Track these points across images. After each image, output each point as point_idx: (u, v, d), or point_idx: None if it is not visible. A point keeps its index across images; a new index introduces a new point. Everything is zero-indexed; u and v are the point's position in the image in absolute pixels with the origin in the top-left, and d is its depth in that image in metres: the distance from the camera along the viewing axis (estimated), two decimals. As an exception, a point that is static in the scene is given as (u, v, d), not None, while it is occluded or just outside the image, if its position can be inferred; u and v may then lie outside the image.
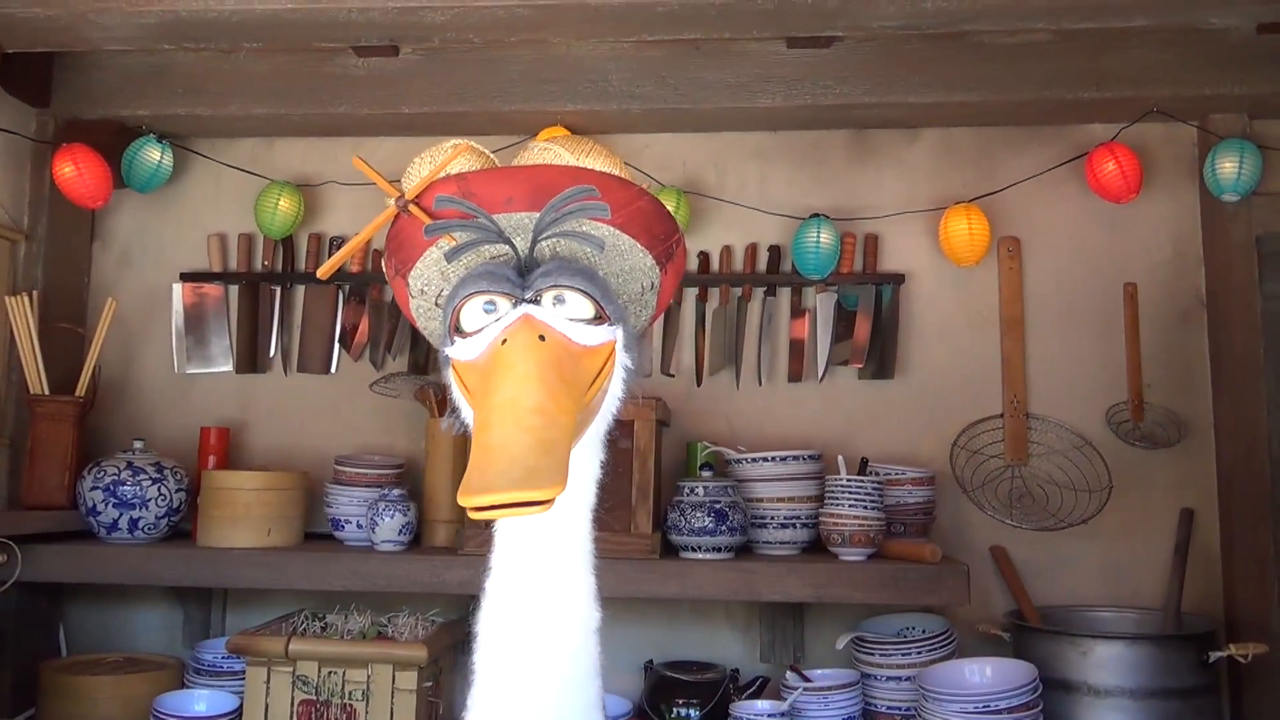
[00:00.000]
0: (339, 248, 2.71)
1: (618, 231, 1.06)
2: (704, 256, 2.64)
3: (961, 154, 2.63)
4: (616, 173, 1.13)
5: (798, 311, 2.61)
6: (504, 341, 0.96)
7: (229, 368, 2.72)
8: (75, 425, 2.47)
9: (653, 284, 1.12)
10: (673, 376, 2.61)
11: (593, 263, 1.06)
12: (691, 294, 2.64)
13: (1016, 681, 2.01)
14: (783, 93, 2.48)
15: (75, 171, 2.41)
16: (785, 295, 2.63)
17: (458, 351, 1.00)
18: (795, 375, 2.59)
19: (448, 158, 1.13)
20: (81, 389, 2.49)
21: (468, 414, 1.02)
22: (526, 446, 0.85)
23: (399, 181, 1.14)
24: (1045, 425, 2.52)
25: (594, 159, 1.14)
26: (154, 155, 2.60)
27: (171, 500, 2.40)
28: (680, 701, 2.29)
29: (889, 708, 2.21)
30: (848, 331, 2.58)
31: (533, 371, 0.92)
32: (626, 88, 2.51)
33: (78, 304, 2.73)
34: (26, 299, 2.45)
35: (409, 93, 2.55)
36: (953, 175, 2.62)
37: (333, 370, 2.70)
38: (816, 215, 2.53)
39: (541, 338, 0.96)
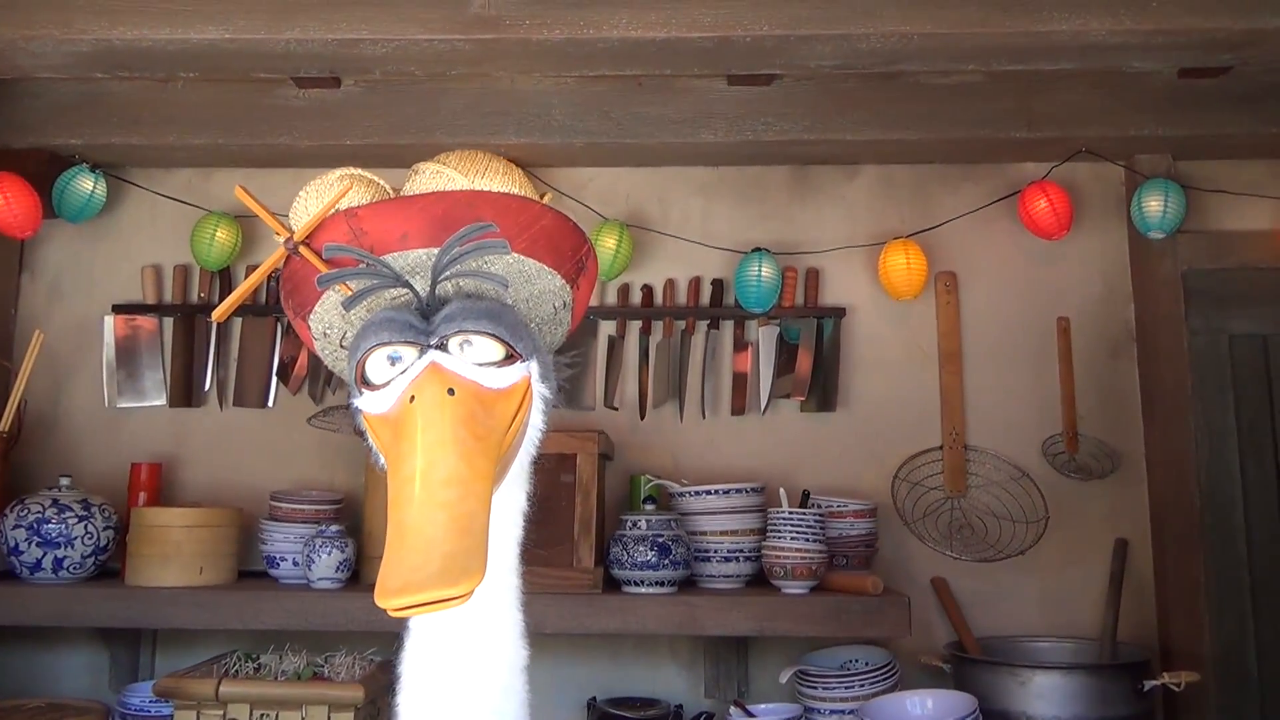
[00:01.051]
0: (277, 280, 2.67)
1: (522, 258, 1.02)
2: (647, 290, 2.65)
3: (899, 190, 2.69)
4: (515, 190, 1.08)
5: (740, 345, 2.63)
6: (412, 399, 0.92)
7: (162, 401, 2.65)
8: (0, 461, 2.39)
9: (565, 303, 1.08)
10: (616, 410, 2.61)
11: (499, 297, 1.02)
12: (635, 327, 2.65)
13: (957, 713, 2.01)
14: (724, 128, 2.51)
15: (3, 201, 2.35)
16: (728, 329, 2.65)
17: (367, 404, 0.96)
18: (738, 408, 2.60)
19: (335, 195, 1.05)
20: (6, 423, 2.41)
21: (381, 461, 0.97)
22: (442, 528, 0.82)
23: (286, 218, 1.10)
24: (983, 457, 2.55)
25: (490, 179, 1.09)
26: (86, 185, 2.55)
27: (99, 539, 2.32)
28: (623, 739, 2.26)
29: (832, 742, 2.21)
30: (790, 365, 2.60)
31: (444, 435, 0.88)
32: (570, 122, 2.52)
33: (3, 336, 2.65)
34: (-51, 331, 2.37)
35: (351, 125, 2.53)
36: (891, 211, 2.67)
37: (270, 404, 2.65)
38: (758, 249, 2.56)
39: (451, 391, 0.92)
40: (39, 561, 2.27)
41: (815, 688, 2.25)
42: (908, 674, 2.33)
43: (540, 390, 1.01)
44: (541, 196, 1.11)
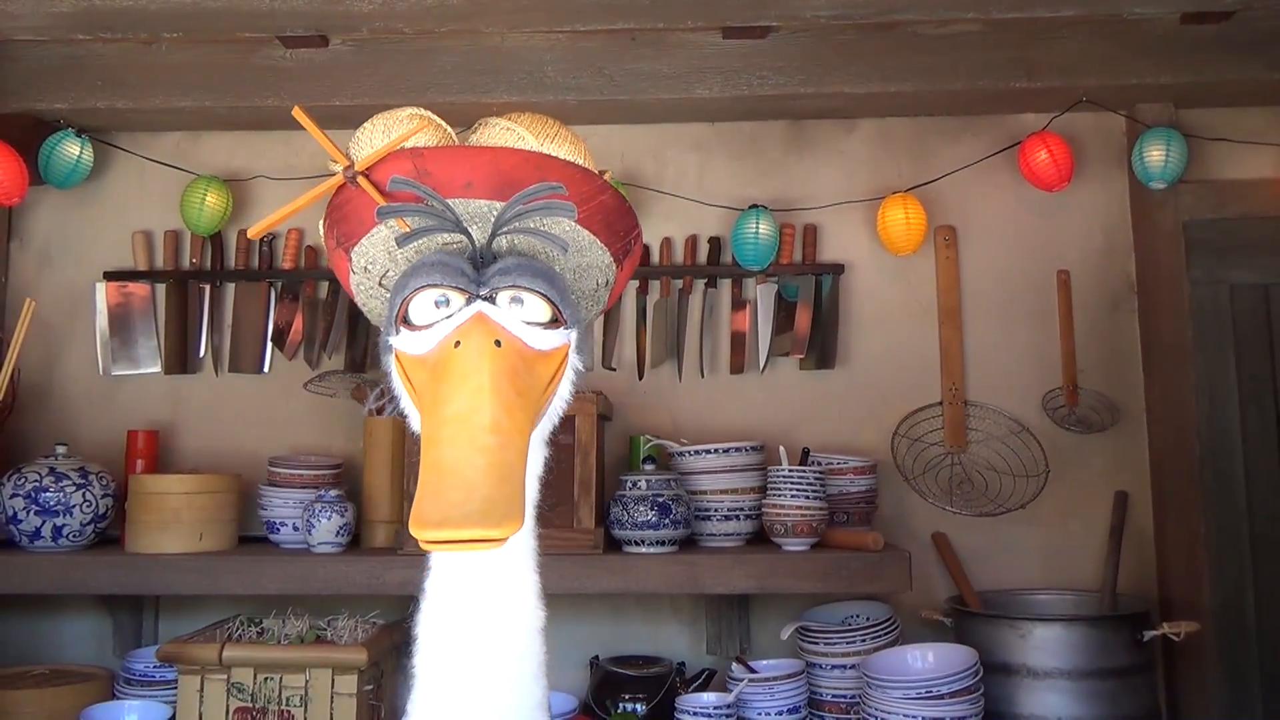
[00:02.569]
0: (270, 244, 2.65)
1: (578, 228, 1.02)
2: (644, 249, 2.63)
3: (898, 144, 2.65)
4: (581, 162, 1.07)
5: (738, 303, 2.61)
6: (457, 344, 0.91)
7: (157, 369, 2.63)
8: (-7, 431, 2.38)
9: (607, 281, 1.09)
10: (614, 370, 2.59)
11: (552, 261, 1.01)
12: (632, 287, 2.62)
13: (958, 666, 2.03)
14: (719, 83, 2.47)
15: (-12, 167, 2.31)
16: (726, 287, 2.62)
17: (404, 344, 0.95)
18: (737, 367, 2.58)
19: (405, 132, 1.04)
20: None
21: (408, 406, 0.97)
22: (481, 472, 0.82)
23: (347, 148, 1.08)
24: (983, 412, 2.55)
25: (559, 145, 1.08)
26: (73, 150, 2.51)
27: (97, 506, 2.32)
28: (626, 696, 2.27)
29: (834, 696, 2.22)
30: (788, 322, 2.58)
31: (487, 384, 0.88)
32: (562, 79, 2.48)
33: (-5, 305, 2.63)
34: (-62, 300, 2.35)
35: (339, 85, 2.49)
36: (889, 165, 2.64)
37: (266, 370, 2.63)
38: (755, 206, 2.53)
39: (497, 343, 0.92)
40: (38, 530, 2.26)
41: (817, 643, 2.26)
42: (909, 629, 2.33)
43: (574, 362, 1.01)
44: (601, 174, 1.09)
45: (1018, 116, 2.61)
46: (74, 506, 2.28)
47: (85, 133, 2.55)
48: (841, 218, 2.62)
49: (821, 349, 2.57)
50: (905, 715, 1.97)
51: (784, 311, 2.59)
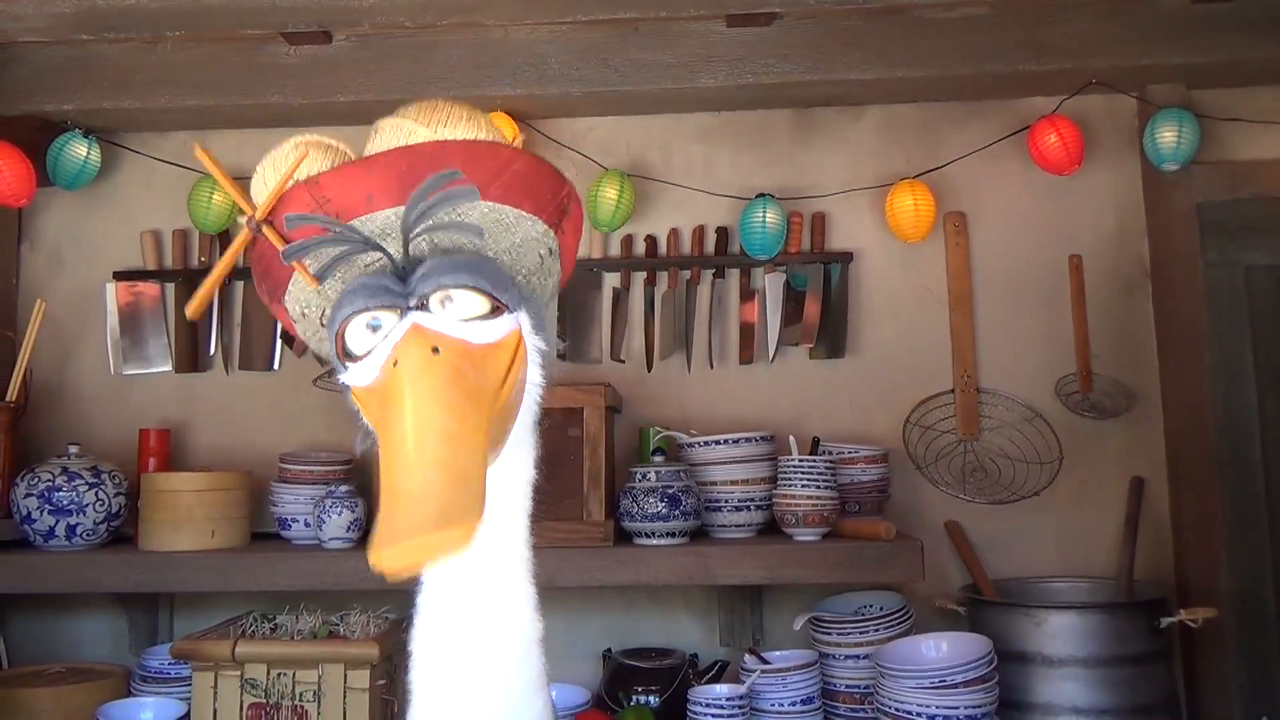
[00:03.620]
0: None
1: (498, 206, 0.96)
2: (651, 240, 2.61)
3: (905, 130, 2.63)
4: (483, 136, 1.00)
5: (747, 293, 2.59)
6: (395, 363, 0.86)
7: (168, 367, 2.64)
8: (7, 432, 2.40)
9: (550, 250, 1.02)
10: (623, 362, 2.58)
11: (477, 249, 0.95)
12: (639, 278, 2.61)
13: (972, 655, 2.01)
14: (724, 72, 2.45)
15: (-5, 169, 2.32)
16: (734, 277, 2.61)
17: (351, 378, 0.92)
18: (746, 358, 2.57)
19: (291, 166, 0.97)
20: (12, 393, 2.41)
21: (375, 435, 0.92)
22: (436, 484, 0.77)
23: (247, 189, 1.01)
24: (996, 399, 2.52)
25: (453, 127, 1.00)
26: (80, 151, 2.52)
27: (110, 505, 2.33)
28: (639, 689, 2.27)
29: (848, 686, 2.21)
30: (797, 312, 2.57)
31: (432, 394, 0.83)
32: (566, 71, 2.46)
33: (6, 307, 2.65)
34: (-50, 303, 2.36)
35: (343, 82, 2.49)
36: (897, 152, 2.61)
37: (275, 367, 2.64)
38: (762, 195, 2.51)
39: (436, 350, 0.87)
40: (52, 529, 2.27)
41: (830, 634, 2.25)
42: (922, 618, 2.32)
43: (535, 343, 0.96)
44: (513, 139, 1.05)
45: (1027, 100, 2.58)
46: (87, 506, 2.29)
47: (92, 133, 2.56)
48: (849, 205, 2.60)
49: (831, 338, 2.56)
50: (919, 705, 1.96)
51: (793, 301, 2.57)
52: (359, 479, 2.44)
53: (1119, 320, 2.54)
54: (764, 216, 2.47)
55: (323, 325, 1.01)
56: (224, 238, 2.65)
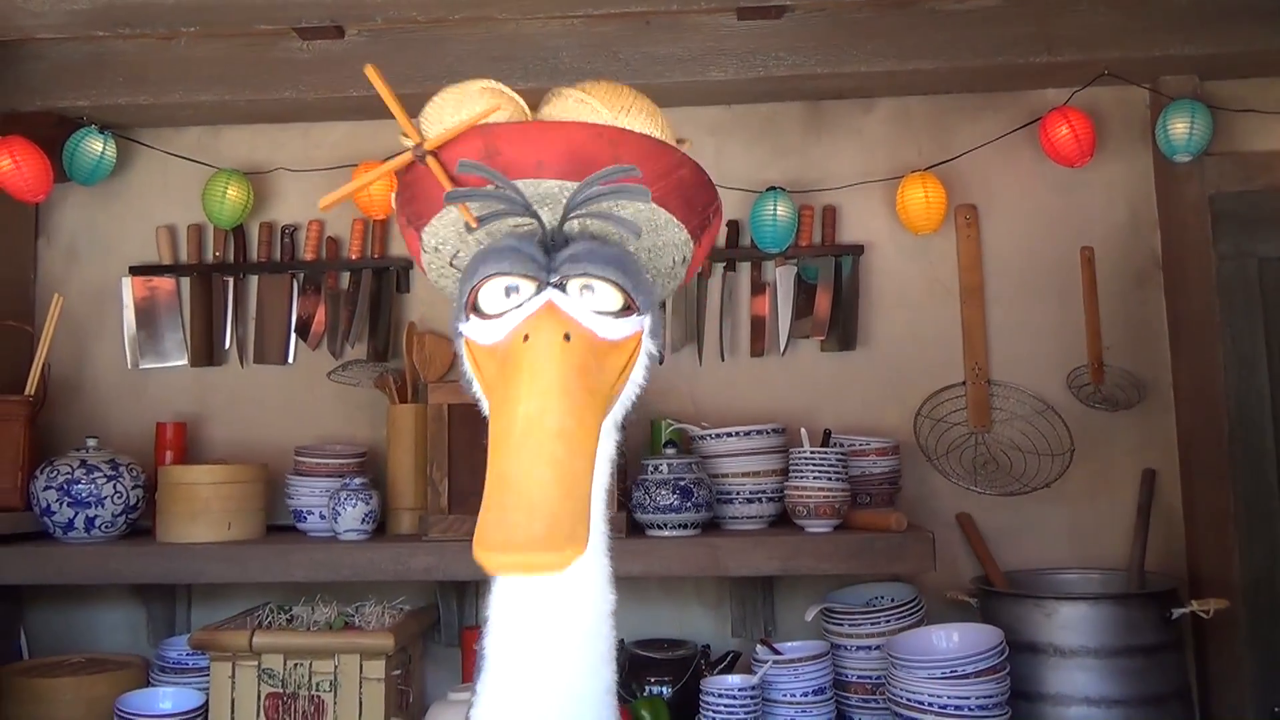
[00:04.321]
0: (291, 236, 2.67)
1: (654, 206, 0.98)
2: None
3: (916, 122, 2.63)
4: (658, 134, 1.03)
5: (758, 286, 2.60)
6: (526, 337, 0.89)
7: (184, 361, 2.67)
8: (26, 425, 2.42)
9: (684, 258, 1.05)
10: (635, 355, 2.59)
11: (624, 243, 0.97)
12: (651, 271, 2.63)
13: (983, 645, 2.02)
14: (735, 65, 2.45)
15: (13, 165, 2.34)
16: (745, 270, 2.62)
17: (474, 332, 0.94)
18: (757, 350, 2.58)
19: (479, 113, 1.00)
20: (31, 387, 2.44)
21: (479, 393, 0.96)
22: (548, 486, 0.80)
23: (418, 121, 1.03)
24: (1007, 391, 2.53)
25: (633, 117, 1.03)
26: (96, 147, 2.54)
27: (128, 497, 2.35)
28: (652, 679, 2.28)
29: (859, 677, 2.22)
30: (808, 304, 2.57)
31: (556, 384, 0.86)
32: (578, 64, 2.47)
33: (24, 301, 2.67)
34: (-30, 298, 2.39)
35: (356, 76, 2.47)
36: (908, 144, 2.62)
37: (290, 361, 2.66)
38: (773, 188, 2.52)
39: (567, 336, 0.89)
40: (71, 521, 2.30)
41: (841, 624, 2.26)
42: (934, 609, 2.33)
43: (648, 347, 0.99)
44: (680, 143, 1.06)
45: (1039, 92, 2.57)
46: (105, 498, 2.31)
47: (107, 129, 2.58)
48: (860, 198, 2.61)
49: (842, 330, 2.56)
50: (931, 695, 1.97)
51: (804, 293, 2.58)
52: (373, 472, 2.46)
53: (1131, 312, 2.54)
54: (775, 209, 2.48)
55: (452, 265, 1.05)
56: (238, 232, 2.67)
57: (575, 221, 0.96)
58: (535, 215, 0.94)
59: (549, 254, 0.94)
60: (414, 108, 2.66)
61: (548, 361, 0.88)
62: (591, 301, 0.93)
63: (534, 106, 2.57)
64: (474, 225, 0.97)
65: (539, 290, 0.93)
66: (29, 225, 2.70)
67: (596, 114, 1.03)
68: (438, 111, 1.05)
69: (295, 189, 2.69)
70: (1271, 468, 2.48)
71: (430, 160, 0.99)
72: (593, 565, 0.98)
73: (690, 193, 1.03)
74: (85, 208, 2.73)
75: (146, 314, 2.67)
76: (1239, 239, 2.53)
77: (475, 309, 0.95)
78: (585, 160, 0.95)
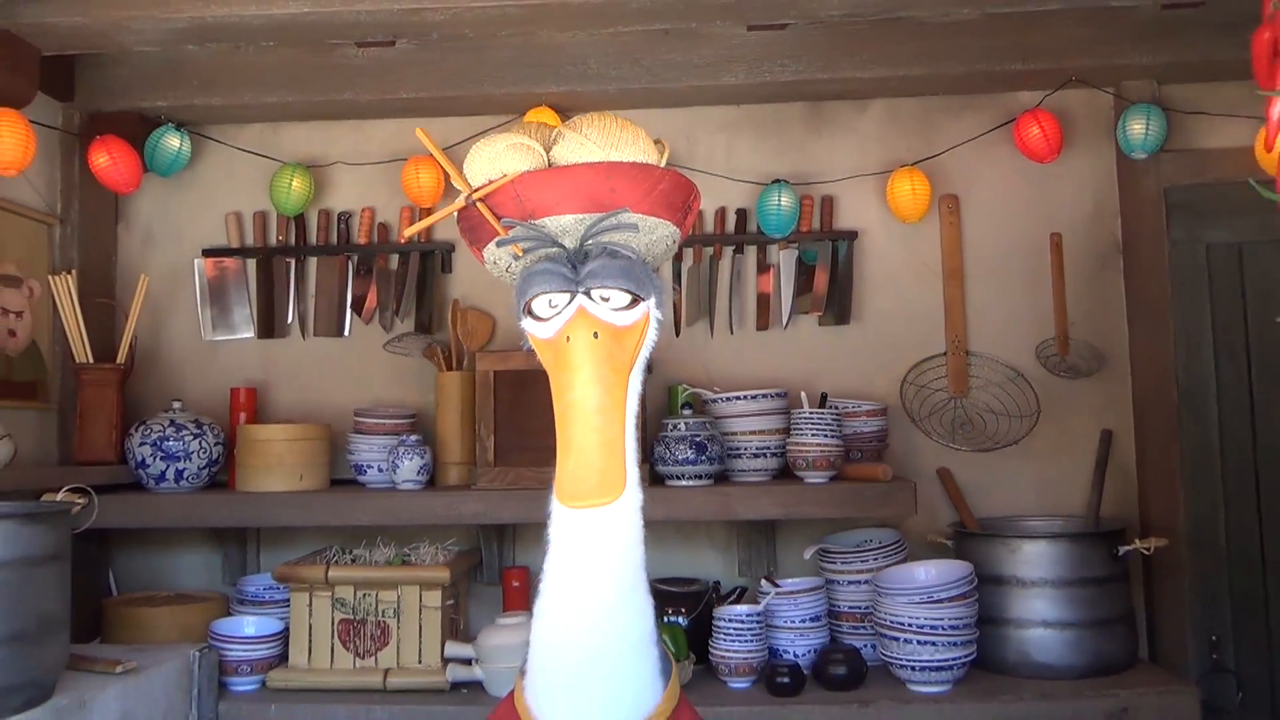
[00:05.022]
0: (346, 222, 2.99)
1: (645, 216, 1.35)
2: (678, 220, 2.94)
3: (906, 122, 2.94)
4: (642, 156, 1.38)
5: (763, 267, 2.92)
6: (568, 339, 1.28)
7: (250, 334, 2.99)
8: (118, 390, 2.74)
9: (675, 240, 1.44)
10: (653, 329, 2.91)
11: (629, 244, 1.35)
12: (668, 254, 2.95)
13: (955, 576, 2.36)
14: (745, 71, 2.76)
15: (110, 161, 2.66)
16: (751, 253, 2.94)
17: (532, 328, 1.34)
18: (763, 324, 2.91)
19: (502, 179, 1.37)
20: (121, 357, 2.76)
21: (543, 363, 1.36)
22: (596, 450, 1.23)
23: (463, 168, 1.41)
24: (983, 361, 2.85)
25: (621, 150, 1.37)
26: (174, 143, 2.84)
27: (211, 453, 2.68)
28: (670, 610, 2.61)
29: (850, 607, 2.56)
30: (808, 284, 2.90)
31: (592, 374, 1.26)
32: (604, 70, 2.78)
33: (107, 281, 2.99)
34: (69, 277, 2.71)
35: (406, 79, 2.81)
36: (898, 141, 2.93)
37: (346, 333, 2.98)
38: (778, 181, 2.84)
39: (595, 335, 1.28)
40: (163, 473, 2.63)
41: (835, 562, 2.60)
42: (915, 550, 2.67)
43: (656, 315, 1.37)
44: (658, 145, 1.43)
45: (1014, 94, 2.88)
46: (192, 453, 2.64)
47: (183, 126, 2.89)
48: (855, 189, 2.92)
49: (838, 307, 2.89)
50: (910, 618, 2.31)
51: (804, 274, 2.90)
52: (422, 432, 2.78)
53: (1093, 291, 2.87)
54: (779, 200, 2.80)
55: (508, 273, 1.44)
56: (299, 220, 2.98)
57: (591, 243, 1.34)
58: (560, 245, 1.34)
59: (575, 269, 1.31)
60: (459, 108, 2.95)
61: (584, 357, 1.28)
62: (609, 303, 1.31)
63: (562, 109, 2.88)
64: (520, 255, 1.37)
65: (571, 300, 1.31)
66: (110, 213, 3.01)
67: (593, 153, 1.38)
68: (477, 162, 1.41)
69: (349, 180, 3.00)
70: (1213, 429, 2.81)
71: (480, 205, 1.37)
72: (630, 495, 1.33)
73: (671, 198, 1.39)
74: (159, 196, 3.04)
75: (217, 292, 2.99)
76: (1190, 227, 2.85)
77: (530, 313, 1.34)
78: (590, 195, 1.33)
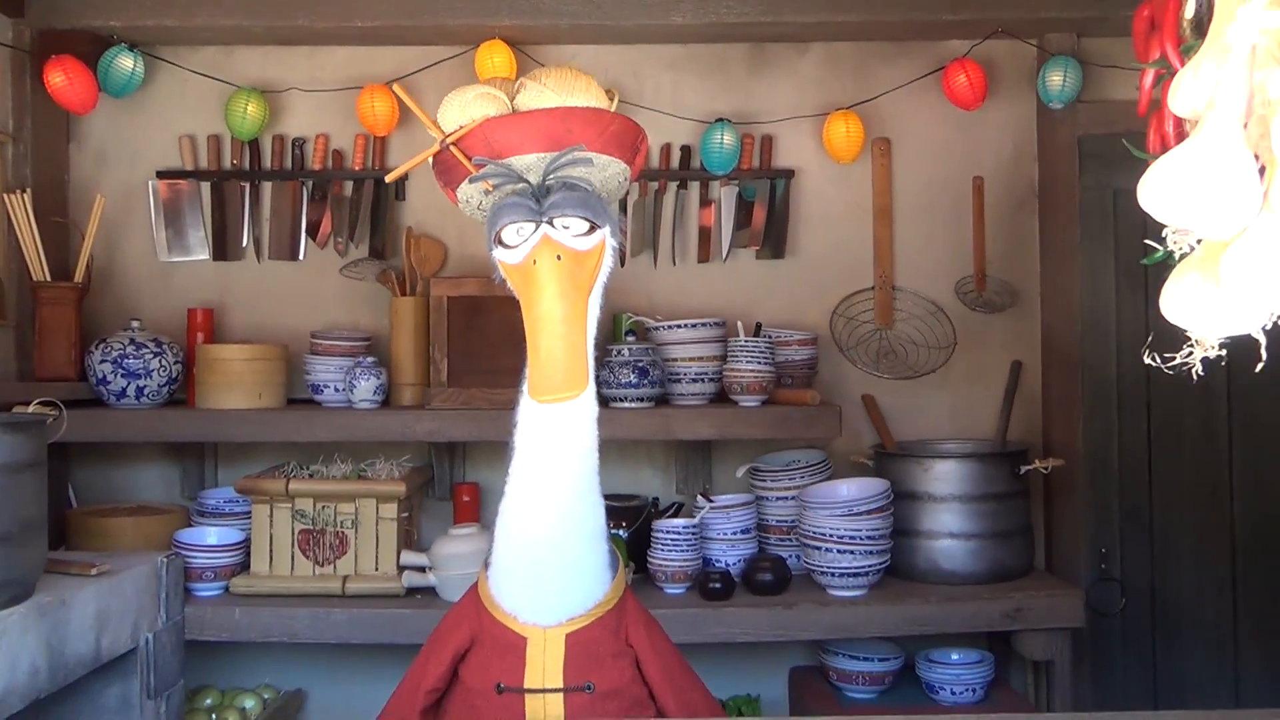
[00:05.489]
0: (301, 148, 3.05)
1: (599, 154, 1.52)
2: (625, 155, 3.07)
3: (843, 66, 3.09)
4: (594, 101, 1.57)
5: (705, 202, 3.08)
6: (534, 261, 1.45)
7: (206, 256, 3.06)
8: (75, 308, 2.81)
9: (626, 177, 1.62)
10: (600, 259, 3.06)
11: (587, 177, 1.52)
12: (615, 188, 3.08)
13: (873, 491, 2.59)
14: (691, 11, 2.87)
15: (66, 80, 2.68)
16: (695, 189, 3.08)
17: (503, 256, 1.51)
18: (703, 257, 3.07)
19: (471, 123, 1.53)
20: (79, 275, 2.82)
21: (511, 289, 1.53)
22: (562, 353, 1.41)
23: (436, 117, 1.55)
24: (906, 295, 3.06)
25: (576, 96, 1.56)
26: (127, 64, 2.86)
27: (170, 371, 2.77)
28: (611, 524, 2.77)
29: (778, 520, 2.78)
30: (747, 219, 3.06)
31: (556, 290, 1.43)
32: (556, 5, 2.86)
33: (60, 200, 3.01)
34: (24, 195, 2.74)
35: (361, 7, 2.86)
36: (835, 84, 3.08)
37: (301, 257, 3.06)
38: (721, 119, 2.97)
39: (559, 257, 1.45)
40: (124, 390, 2.72)
41: (765, 480, 2.81)
42: (839, 469, 2.89)
43: (611, 242, 1.55)
44: (609, 94, 1.60)
45: (945, 43, 3.04)
46: (153, 371, 2.73)
47: (136, 47, 2.91)
48: (793, 130, 3.07)
49: (774, 242, 3.06)
50: (831, 529, 2.54)
51: (744, 210, 3.06)
52: (377, 354, 2.90)
53: (1010, 232, 3.08)
54: (722, 138, 2.94)
55: (479, 210, 1.60)
56: (254, 145, 3.03)
57: (552, 178, 1.50)
58: (525, 180, 1.51)
59: (539, 202, 1.48)
60: (415, 36, 3.01)
61: (549, 275, 1.45)
62: (570, 230, 1.48)
63: (515, 42, 2.95)
64: (491, 190, 1.54)
65: (536, 228, 1.47)
66: (62, 132, 3.03)
67: (551, 100, 1.56)
68: (447, 110, 1.58)
69: (304, 106, 3.05)
70: (1112, 362, 3.06)
71: (453, 148, 1.54)
72: (585, 403, 1.54)
73: (622, 138, 1.58)
74: (112, 117, 3.05)
75: (172, 213, 3.04)
76: (1100, 174, 3.06)
77: (500, 242, 1.50)
78: (550, 136, 1.50)
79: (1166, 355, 0.86)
